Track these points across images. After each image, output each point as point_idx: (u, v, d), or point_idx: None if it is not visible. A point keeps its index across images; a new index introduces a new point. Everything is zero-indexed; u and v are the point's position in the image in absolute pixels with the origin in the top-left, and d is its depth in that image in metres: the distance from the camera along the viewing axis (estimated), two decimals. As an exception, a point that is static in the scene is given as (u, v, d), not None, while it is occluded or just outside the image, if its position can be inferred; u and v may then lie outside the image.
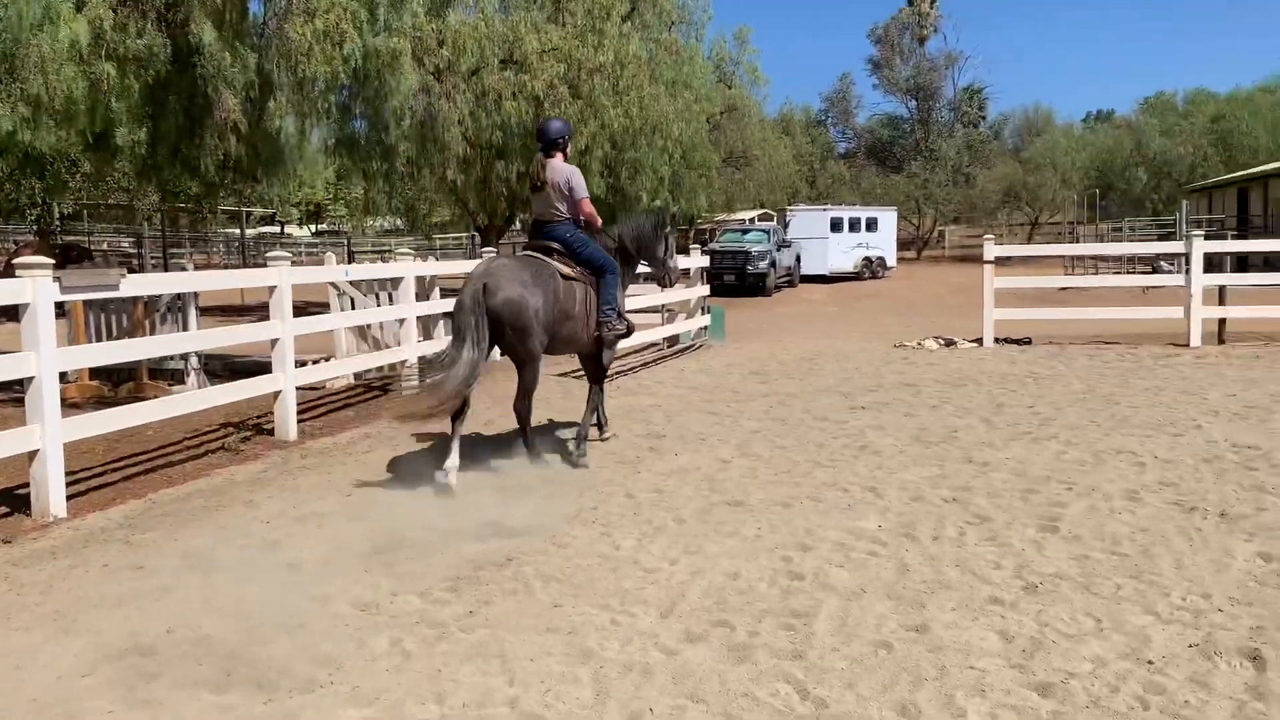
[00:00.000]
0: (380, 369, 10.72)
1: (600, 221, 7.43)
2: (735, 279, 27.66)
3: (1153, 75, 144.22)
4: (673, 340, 14.13)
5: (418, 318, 10.61)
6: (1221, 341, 13.23)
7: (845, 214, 37.31)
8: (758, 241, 30.13)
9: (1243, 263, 19.66)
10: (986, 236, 15.48)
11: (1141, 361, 11.82)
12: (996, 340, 13.72)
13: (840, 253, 35.60)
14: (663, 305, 13.78)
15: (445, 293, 11.52)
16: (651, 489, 6.34)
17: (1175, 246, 14.66)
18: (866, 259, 36.16)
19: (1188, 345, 12.93)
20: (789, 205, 40.54)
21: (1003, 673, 3.57)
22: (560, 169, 7.09)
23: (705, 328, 14.98)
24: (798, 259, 33.37)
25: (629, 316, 7.64)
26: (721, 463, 7.05)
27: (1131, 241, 35.87)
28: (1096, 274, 27.25)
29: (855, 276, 35.26)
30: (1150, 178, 47.86)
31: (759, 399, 9.80)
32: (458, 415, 6.38)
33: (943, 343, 14.05)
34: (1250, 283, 15.09)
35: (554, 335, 6.84)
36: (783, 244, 31.76)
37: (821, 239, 35.08)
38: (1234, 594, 4.25)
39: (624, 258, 7.62)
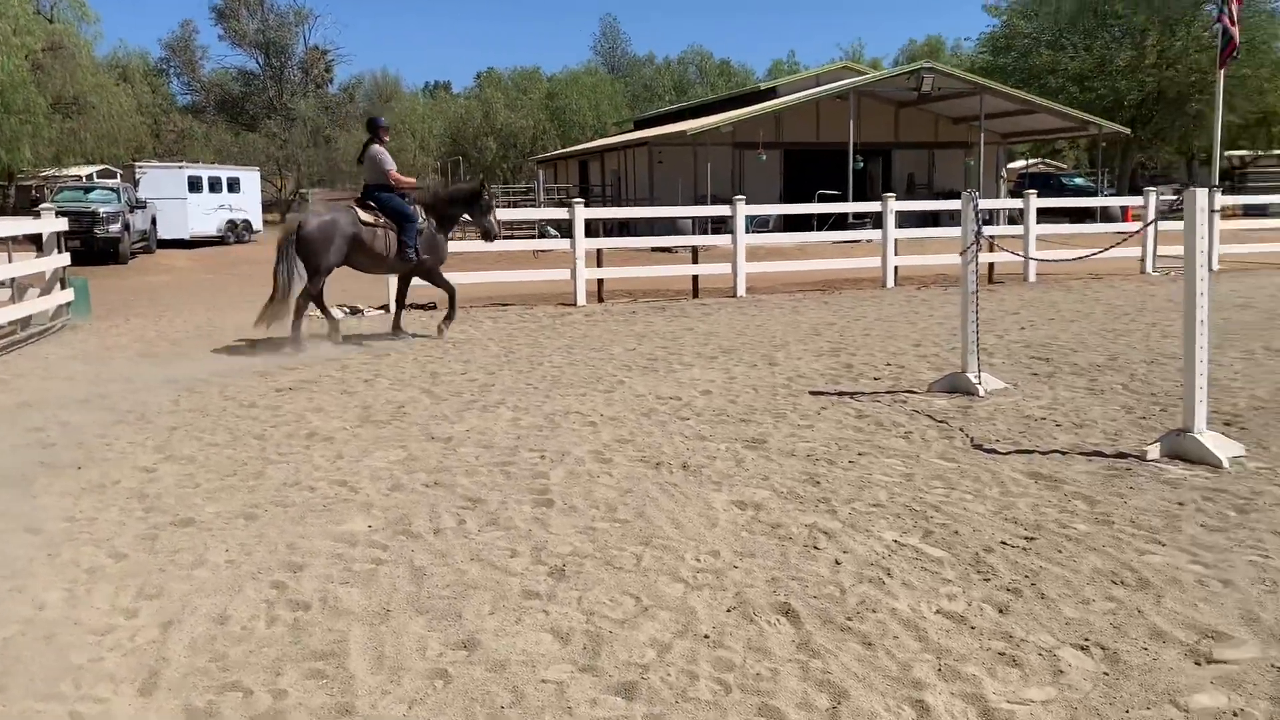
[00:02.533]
0: None
1: (413, 183, 11.26)
2: (81, 244, 23.90)
3: (485, 52, 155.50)
4: (25, 322, 11.65)
5: None
6: (601, 300, 14.50)
7: (205, 173, 34.38)
8: (106, 201, 26.41)
9: (623, 227, 21.92)
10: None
11: (542, 322, 12.45)
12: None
13: (202, 215, 32.78)
14: (11, 280, 11.26)
15: None
16: (62, 518, 4.98)
17: (562, 213, 15.64)
18: (231, 222, 33.77)
19: (575, 304, 13.96)
20: (136, 161, 36.32)
21: (579, 681, 3.25)
22: (374, 151, 10.83)
23: (68, 304, 12.61)
24: (153, 221, 30.05)
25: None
26: (145, 471, 5.82)
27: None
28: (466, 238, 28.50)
29: (220, 241, 32.77)
30: (499, 147, 51.54)
31: (160, 387, 8.42)
32: (298, 312, 10.36)
33: (348, 311, 13.48)
34: (620, 245, 16.76)
35: (347, 259, 10.60)
36: (136, 204, 28.32)
37: (179, 200, 31.94)
38: (736, 547, 4.43)
39: (438, 213, 11.09)
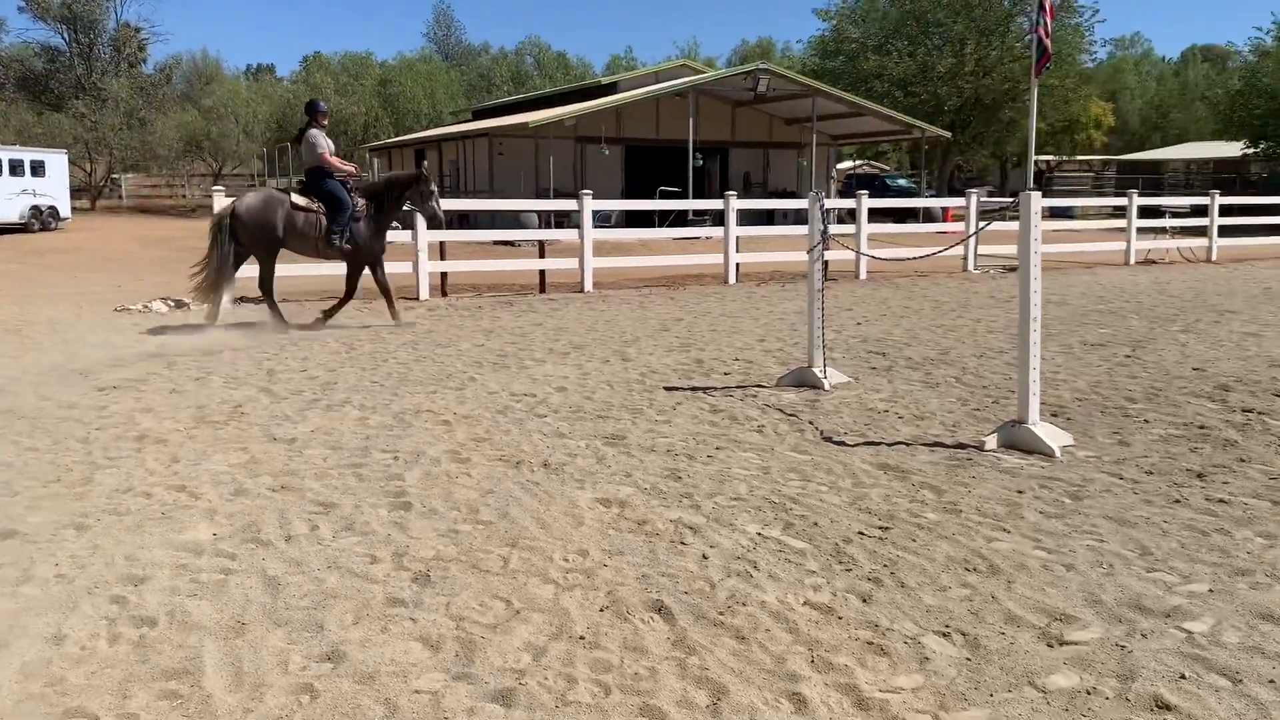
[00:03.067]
0: None
1: (352, 170, 11.18)
2: None
3: (311, 37, 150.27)
4: None
5: None
6: (445, 294, 14.21)
7: (5, 155, 31.92)
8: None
9: (464, 220, 21.47)
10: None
11: (384, 316, 12.08)
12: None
13: (3, 200, 30.45)
14: None
15: None
16: None
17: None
18: (36, 208, 31.48)
19: (418, 299, 13.63)
20: (-75, 141, 33.35)
21: (454, 690, 3.15)
22: (310, 135, 10.82)
23: None
24: (-55, 207, 27.69)
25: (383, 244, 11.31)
26: (-46, 479, 5.32)
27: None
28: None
29: (23, 228, 30.49)
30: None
31: (-33, 386, 7.73)
32: (215, 290, 10.58)
33: (172, 304, 12.75)
34: (462, 238, 16.43)
35: (282, 242, 10.70)
36: (-76, 188, 26.01)
37: (-21, 183, 29.58)
38: (604, 545, 4.40)
39: (379, 201, 11.02)
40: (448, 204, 12.73)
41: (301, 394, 7.59)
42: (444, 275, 14.40)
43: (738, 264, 16.60)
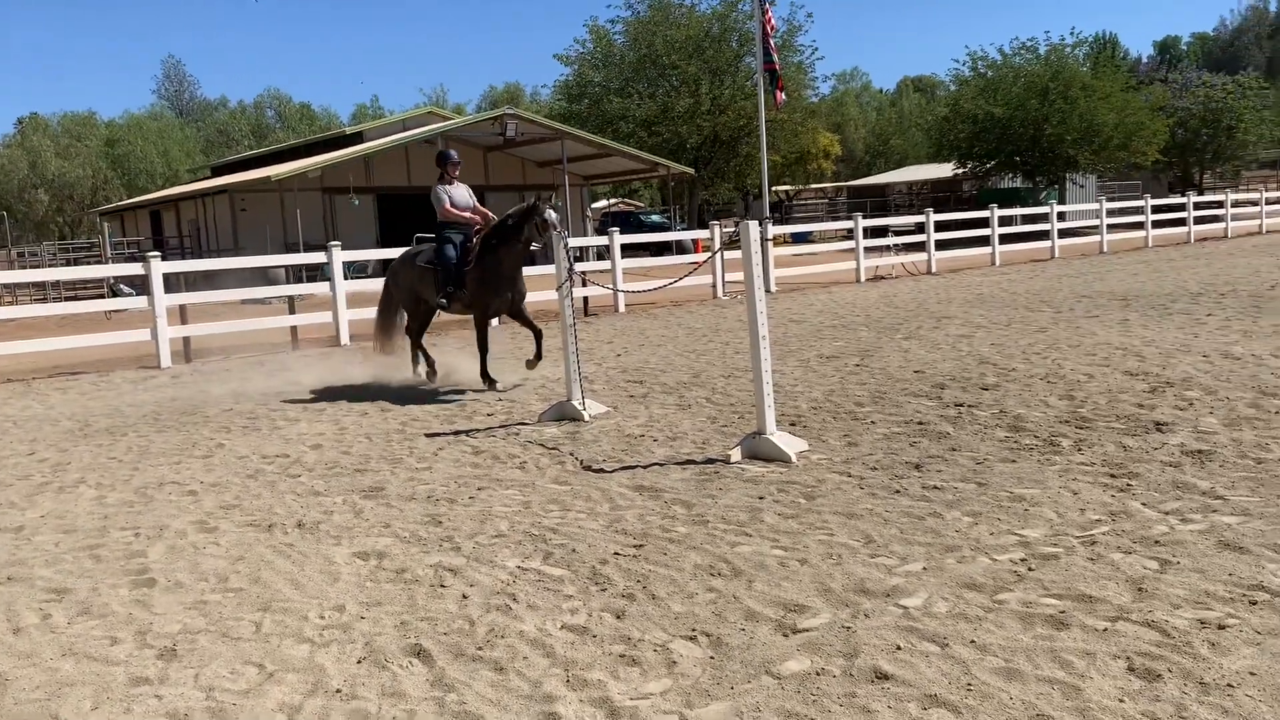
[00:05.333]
0: None
1: (474, 219, 10.21)
2: None
3: (26, 97, 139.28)
4: None
5: None
6: (189, 360, 13.51)
7: None
8: None
9: (208, 279, 20.36)
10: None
11: (122, 389, 11.38)
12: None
13: None
14: None
15: None
16: None
17: (136, 268, 14.39)
18: None
19: (160, 367, 12.90)
20: None
21: (204, 761, 3.06)
22: (433, 192, 10.25)
23: None
24: None
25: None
26: None
27: (45, 267, 34.22)
28: (18, 303, 25.34)
29: None
30: (52, 200, 46.30)
31: None
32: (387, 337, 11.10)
33: None
34: (205, 300, 15.65)
35: (415, 299, 10.59)
36: None
37: None
38: (362, 598, 4.37)
39: (486, 247, 9.86)
40: (188, 265, 12.17)
41: (29, 478, 7.06)
42: (186, 340, 13.69)
43: (497, 306, 16.68)
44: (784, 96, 20.74)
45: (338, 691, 3.48)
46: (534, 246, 9.75)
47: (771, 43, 19.67)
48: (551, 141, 32.38)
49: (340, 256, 14.94)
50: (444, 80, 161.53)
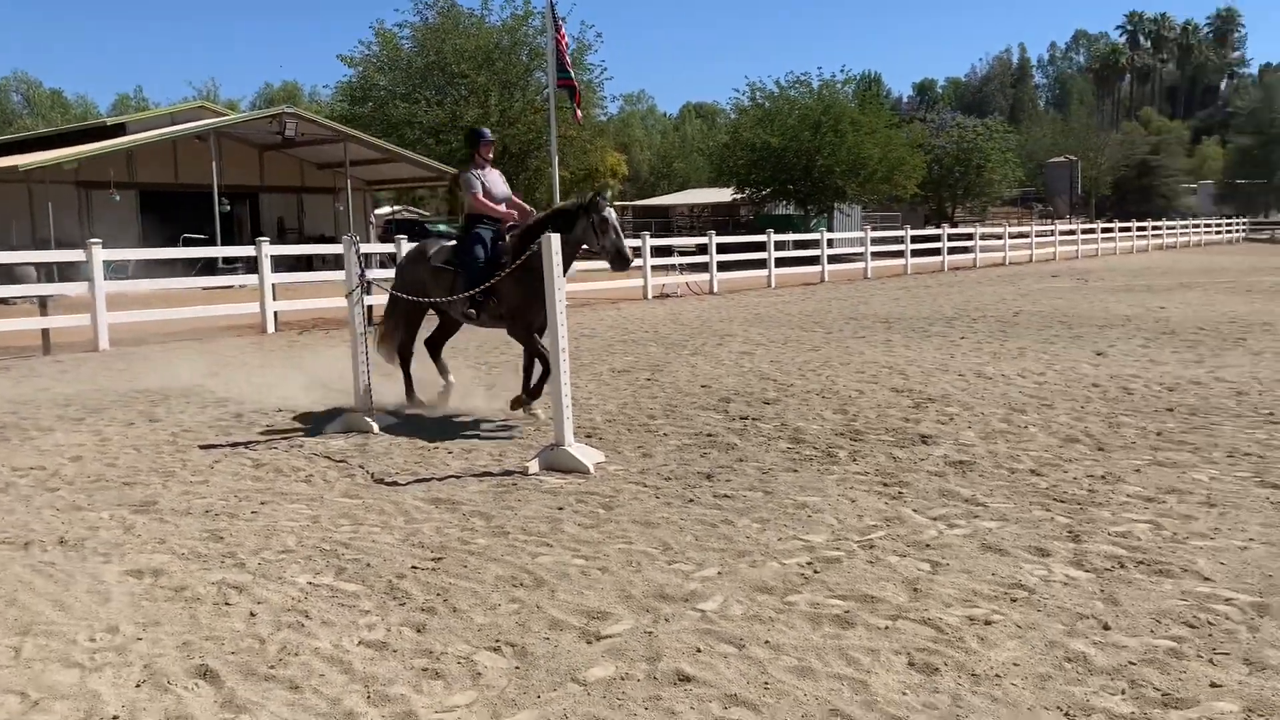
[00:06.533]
0: None
1: (511, 214, 8.43)
2: None
3: None
4: None
5: None
6: (-81, 363, 12.17)
7: None
8: None
9: None
10: None
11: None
12: None
13: None
14: None
15: None
16: None
17: None
18: None
19: (-117, 370, 11.55)
20: None
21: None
22: (462, 177, 8.69)
23: None
24: None
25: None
26: None
27: None
28: None
29: None
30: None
31: None
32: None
33: None
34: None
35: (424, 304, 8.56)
36: None
37: None
38: (138, 619, 4.07)
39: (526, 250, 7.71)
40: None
41: None
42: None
43: (276, 312, 15.99)
44: (582, 114, 20.98)
45: (114, 718, 3.23)
46: (592, 251, 8.20)
47: (567, 59, 19.87)
48: (334, 143, 31.33)
49: (101, 254, 13.88)
50: (215, 74, 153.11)
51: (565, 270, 7.73)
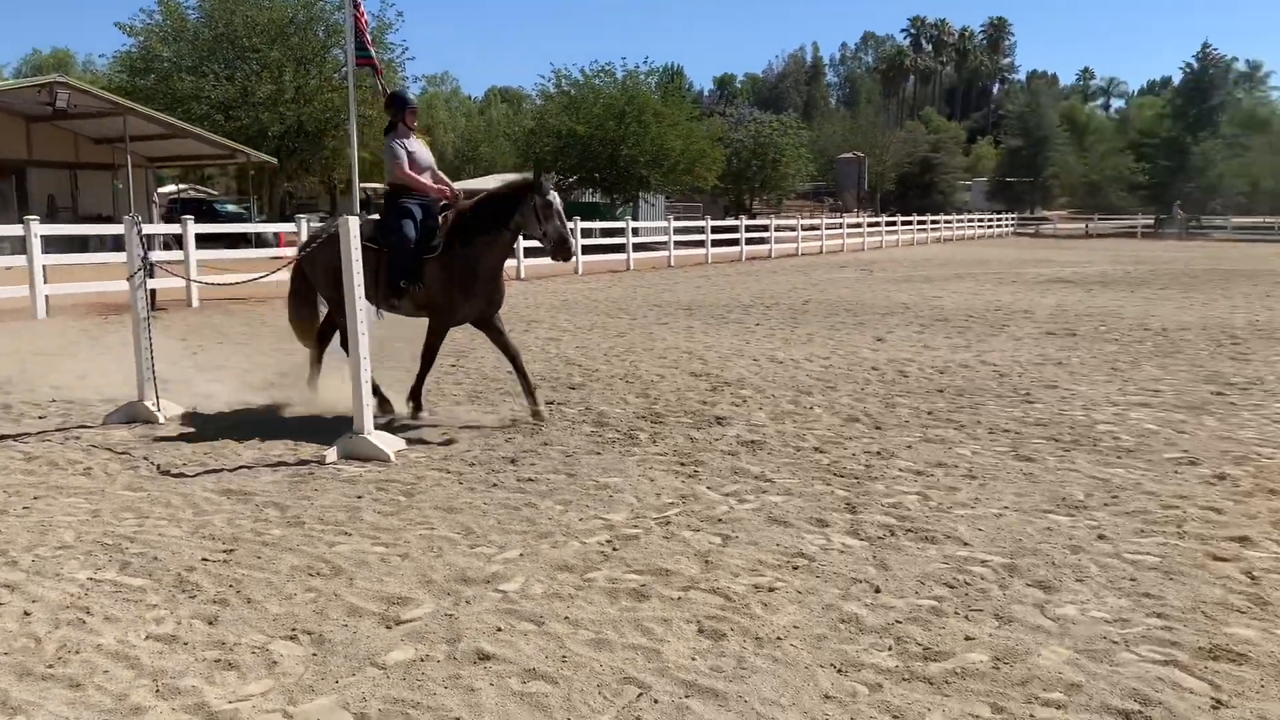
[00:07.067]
0: None
1: (444, 191, 7.70)
2: None
3: None
4: None
5: None
6: None
7: None
8: None
9: None
10: None
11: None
12: None
13: None
14: None
15: None
16: None
17: None
18: None
19: None
20: None
21: None
22: (387, 144, 7.77)
23: None
24: None
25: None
26: None
27: None
28: None
29: None
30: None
31: None
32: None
33: None
34: None
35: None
36: None
37: None
38: (-108, 624, 3.79)
39: (463, 232, 7.35)
40: None
41: None
42: None
43: (47, 296, 14.89)
44: (382, 79, 20.46)
45: None
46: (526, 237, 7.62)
47: (367, 37, 19.33)
48: (112, 117, 29.31)
49: None
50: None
51: (503, 260, 7.64)
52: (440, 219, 7.50)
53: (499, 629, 3.75)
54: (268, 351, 11.25)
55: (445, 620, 3.83)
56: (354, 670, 3.43)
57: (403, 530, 4.91)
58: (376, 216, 7.88)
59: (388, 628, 3.77)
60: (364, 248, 7.20)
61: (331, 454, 6.30)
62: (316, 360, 8.27)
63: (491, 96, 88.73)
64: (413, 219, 7.43)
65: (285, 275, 16.24)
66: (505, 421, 7.46)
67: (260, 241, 29.68)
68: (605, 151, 44.99)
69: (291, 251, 20.89)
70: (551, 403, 8.14)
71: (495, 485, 5.72)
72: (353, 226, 6.29)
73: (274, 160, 35.42)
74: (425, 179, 7.66)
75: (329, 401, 7.86)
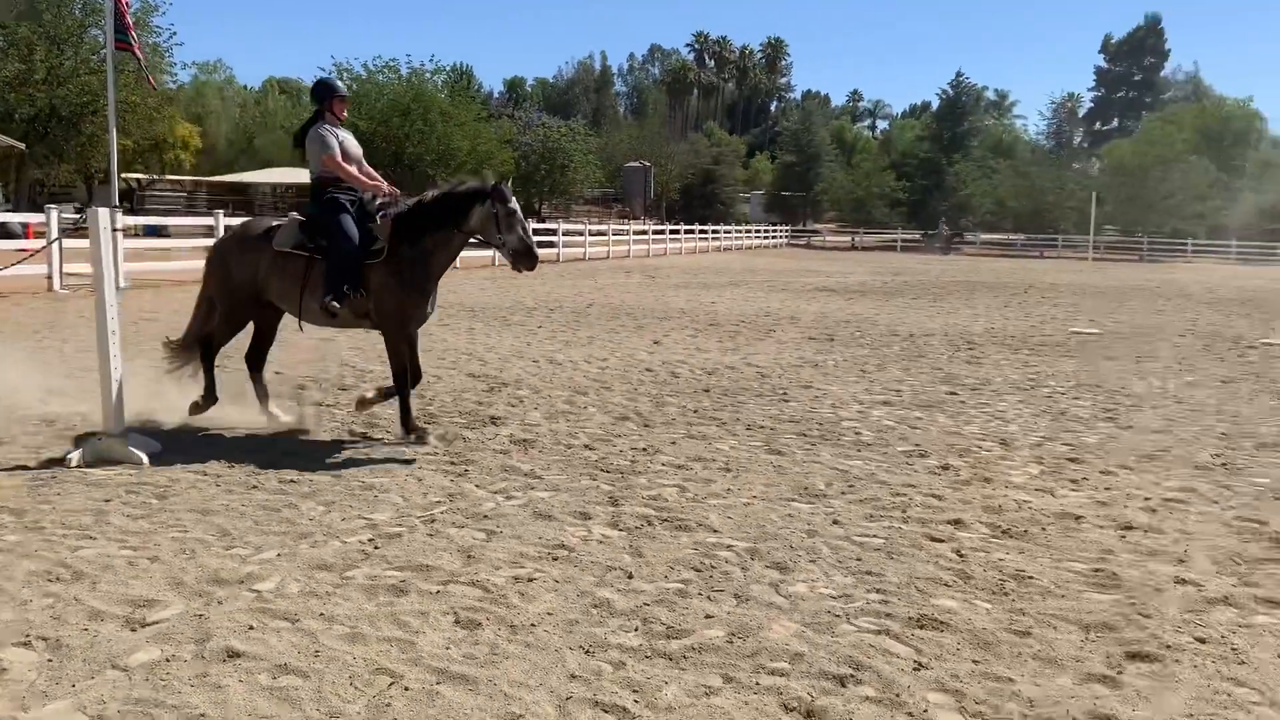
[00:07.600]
0: None
1: (379, 185, 7.18)
2: None
3: None
4: None
5: None
6: None
7: None
8: None
9: None
10: None
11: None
12: None
13: None
14: None
15: None
16: None
17: None
18: None
19: None
20: None
21: None
22: (313, 132, 7.21)
23: None
24: None
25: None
26: None
27: None
28: None
29: None
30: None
31: None
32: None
33: None
34: None
35: (254, 292, 7.14)
36: None
37: None
38: None
39: (413, 233, 6.83)
40: None
41: None
42: None
43: None
44: (154, 82, 19.35)
45: None
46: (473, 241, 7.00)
47: (128, 19, 18.21)
48: None
49: None
50: None
51: (449, 265, 7.08)
52: (379, 219, 6.95)
53: (251, 627, 3.72)
54: (33, 347, 10.44)
55: (195, 621, 3.76)
56: (93, 674, 3.33)
57: (153, 533, 4.76)
58: (299, 217, 7.13)
59: (132, 630, 3.67)
60: (291, 254, 6.90)
61: (75, 457, 5.98)
62: (209, 377, 7.36)
63: (269, 87, 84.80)
64: (349, 216, 6.85)
65: (31, 269, 15.07)
66: (273, 424, 7.28)
67: (7, 233, 27.30)
68: (389, 149, 44.09)
69: (39, 244, 19.35)
70: (321, 404, 8.00)
71: (255, 487, 5.61)
72: (103, 219, 5.99)
73: (21, 146, 32.63)
74: (353, 169, 7.11)
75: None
